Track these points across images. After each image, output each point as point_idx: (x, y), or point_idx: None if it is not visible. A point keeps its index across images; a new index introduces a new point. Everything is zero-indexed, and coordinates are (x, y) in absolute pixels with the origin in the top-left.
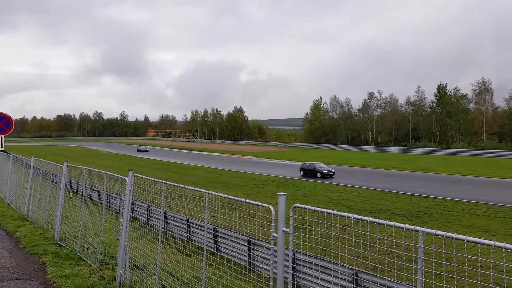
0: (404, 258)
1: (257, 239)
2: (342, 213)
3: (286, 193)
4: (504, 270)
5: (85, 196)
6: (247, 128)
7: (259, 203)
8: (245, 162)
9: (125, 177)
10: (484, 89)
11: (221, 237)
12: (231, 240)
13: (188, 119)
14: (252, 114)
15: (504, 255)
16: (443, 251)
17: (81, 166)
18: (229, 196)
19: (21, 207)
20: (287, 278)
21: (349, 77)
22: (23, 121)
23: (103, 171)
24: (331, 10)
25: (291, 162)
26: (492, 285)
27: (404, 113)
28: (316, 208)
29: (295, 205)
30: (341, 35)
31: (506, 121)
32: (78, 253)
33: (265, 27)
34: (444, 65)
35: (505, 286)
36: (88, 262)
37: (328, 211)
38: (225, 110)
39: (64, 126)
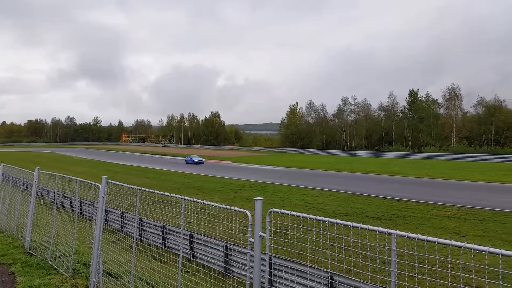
0: (377, 261)
1: (234, 245)
2: (318, 217)
3: (262, 198)
4: (473, 270)
5: (57, 203)
6: (223, 133)
7: (236, 208)
8: (222, 167)
9: (98, 184)
10: (454, 95)
11: (197, 243)
12: (208, 246)
13: (164, 124)
14: (229, 118)
15: (473, 255)
16: (416, 253)
17: (53, 173)
18: (205, 202)
19: None
20: (263, 283)
21: (324, 82)
22: None
23: (76, 178)
24: (309, 17)
25: (268, 167)
26: (461, 285)
27: (377, 118)
28: (292, 213)
29: (271, 209)
30: (318, 41)
31: (474, 126)
32: (50, 262)
33: (242, 32)
34: (416, 71)
35: (474, 286)
36: (60, 271)
37: (304, 215)
38: (202, 115)
39: (35, 131)
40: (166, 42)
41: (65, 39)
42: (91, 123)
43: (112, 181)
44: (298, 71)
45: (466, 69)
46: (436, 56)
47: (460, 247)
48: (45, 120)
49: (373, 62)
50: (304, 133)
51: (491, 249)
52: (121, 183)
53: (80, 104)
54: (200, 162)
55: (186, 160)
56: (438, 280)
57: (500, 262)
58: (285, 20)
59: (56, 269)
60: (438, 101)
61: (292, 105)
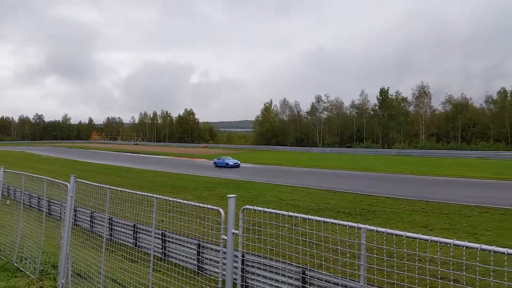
0: (348, 255)
1: (207, 242)
2: (290, 213)
3: (236, 195)
4: (439, 262)
5: (24, 203)
6: (198, 131)
7: (209, 206)
8: (196, 165)
9: (66, 183)
10: (423, 93)
11: (169, 241)
12: (180, 244)
13: (136, 121)
14: (203, 116)
15: (439, 248)
16: (384, 247)
17: (19, 172)
18: (177, 200)
19: None
20: (236, 280)
21: (299, 81)
22: None
23: (43, 177)
24: (284, 17)
25: (243, 164)
26: (428, 277)
27: (349, 116)
28: (265, 209)
29: (244, 206)
30: (292, 41)
31: (442, 123)
32: (16, 264)
33: (218, 30)
34: (386, 70)
35: (440, 277)
36: (27, 273)
37: (277, 211)
38: (176, 112)
39: (2, 129)
40: (139, 39)
41: (33, 34)
42: (60, 121)
43: (81, 180)
44: (273, 70)
45: (434, 69)
46: (406, 56)
47: (427, 240)
48: (12, 117)
49: (345, 62)
50: (278, 130)
51: (456, 242)
52: (90, 182)
53: (49, 101)
54: (236, 165)
55: (216, 163)
56: (406, 272)
57: (463, 254)
58: (261, 19)
59: (22, 271)
60: (407, 99)
61: (267, 103)
